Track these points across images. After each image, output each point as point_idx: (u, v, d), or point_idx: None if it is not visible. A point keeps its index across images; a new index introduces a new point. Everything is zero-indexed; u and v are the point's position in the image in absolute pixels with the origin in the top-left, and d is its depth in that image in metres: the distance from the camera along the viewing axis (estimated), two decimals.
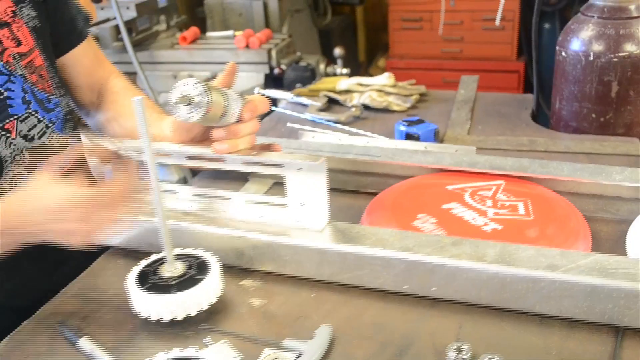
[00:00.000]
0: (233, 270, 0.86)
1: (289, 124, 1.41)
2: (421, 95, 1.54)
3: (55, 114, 0.97)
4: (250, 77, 2.35)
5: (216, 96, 0.76)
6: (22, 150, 0.90)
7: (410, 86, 1.55)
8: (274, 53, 2.36)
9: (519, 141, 1.25)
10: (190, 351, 0.68)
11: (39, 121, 0.93)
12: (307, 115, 1.45)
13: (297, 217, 0.85)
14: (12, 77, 0.89)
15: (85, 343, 0.74)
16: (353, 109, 1.43)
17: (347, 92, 1.54)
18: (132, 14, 2.42)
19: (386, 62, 3.71)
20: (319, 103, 1.49)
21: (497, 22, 2.74)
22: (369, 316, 0.77)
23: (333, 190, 0.85)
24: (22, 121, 0.90)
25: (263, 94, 1.66)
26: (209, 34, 2.67)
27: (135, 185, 0.76)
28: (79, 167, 0.77)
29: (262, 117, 0.85)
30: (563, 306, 0.72)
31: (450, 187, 0.96)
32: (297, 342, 0.71)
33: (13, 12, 0.92)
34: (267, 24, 2.76)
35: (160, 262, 0.80)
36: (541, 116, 1.49)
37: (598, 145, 1.21)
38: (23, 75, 0.91)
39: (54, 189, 0.72)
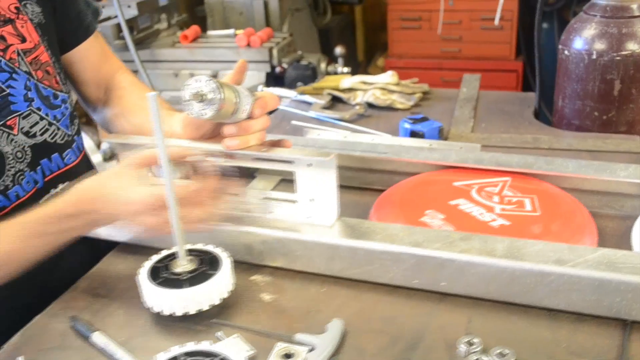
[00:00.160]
0: (243, 266, 0.87)
1: (293, 122, 1.42)
2: (424, 93, 1.55)
3: (62, 110, 0.97)
4: (252, 76, 2.36)
5: (228, 93, 0.76)
6: (24, 147, 0.90)
7: (414, 84, 1.56)
8: (275, 52, 2.37)
9: (523, 139, 1.26)
10: (205, 345, 0.69)
11: (41, 118, 0.93)
12: (312, 113, 1.46)
13: (307, 212, 0.86)
14: (14, 75, 0.89)
15: (98, 337, 0.74)
16: (357, 107, 1.44)
17: (351, 90, 1.55)
18: (133, 12, 2.43)
19: (385, 61, 3.72)
20: (323, 101, 1.50)
21: (497, 21, 2.75)
22: (379, 310, 0.78)
23: (339, 186, 0.85)
24: (24, 118, 0.90)
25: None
26: (210, 32, 2.67)
27: (214, 188, 0.79)
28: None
29: (268, 114, 0.86)
30: (571, 300, 0.73)
31: (456, 184, 0.97)
32: (309, 336, 0.72)
33: (17, 8, 0.92)
34: (268, 23, 2.77)
35: (171, 257, 0.81)
36: (542, 114, 1.50)
37: (601, 142, 1.22)
38: (28, 71, 0.91)
39: (137, 182, 0.76)
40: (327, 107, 1.49)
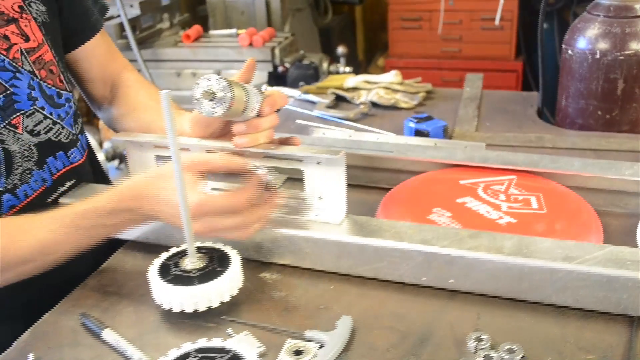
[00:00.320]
0: (251, 263, 0.87)
1: (297, 121, 1.42)
2: (427, 92, 1.56)
3: (66, 109, 0.97)
4: (254, 76, 2.36)
5: (238, 91, 0.77)
6: (30, 145, 0.91)
7: (417, 84, 1.57)
8: (277, 51, 2.37)
9: (527, 138, 1.27)
10: (216, 341, 0.69)
11: (45, 117, 0.93)
12: (316, 112, 1.46)
13: (316, 210, 0.86)
14: (17, 74, 0.89)
15: (109, 334, 0.75)
16: (361, 106, 1.44)
17: (355, 89, 1.55)
18: (135, 11, 2.43)
19: (385, 61, 3.73)
20: (327, 100, 1.50)
21: (497, 21, 2.76)
22: (389, 307, 0.78)
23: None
24: (27, 117, 0.90)
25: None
26: (212, 32, 2.68)
27: (257, 198, 0.79)
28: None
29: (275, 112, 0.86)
30: (579, 297, 0.74)
31: (463, 182, 0.98)
32: (318, 333, 0.72)
33: (20, 7, 0.92)
34: (269, 23, 2.77)
35: (180, 255, 0.81)
36: (543, 114, 1.51)
37: (604, 141, 1.23)
38: (31, 71, 0.91)
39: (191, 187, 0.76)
40: (331, 106, 1.50)
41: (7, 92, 0.88)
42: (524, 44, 3.40)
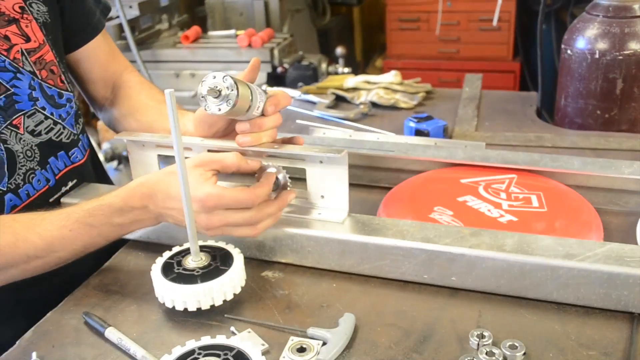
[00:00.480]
0: (253, 262, 0.88)
1: (298, 121, 1.43)
2: (427, 93, 1.56)
3: (67, 109, 0.97)
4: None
5: (243, 89, 0.77)
6: (32, 145, 0.91)
7: (417, 84, 1.58)
8: (276, 52, 2.38)
9: (526, 137, 1.27)
10: (221, 339, 0.69)
11: (46, 117, 0.93)
12: (316, 113, 1.47)
13: (318, 209, 0.87)
14: (18, 74, 0.89)
15: (112, 332, 0.75)
16: (361, 106, 1.45)
17: (355, 89, 1.56)
18: (134, 12, 2.43)
19: (383, 62, 3.73)
20: (327, 100, 1.51)
21: (495, 22, 2.77)
22: (391, 305, 0.79)
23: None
24: (28, 117, 0.91)
25: None
26: (211, 33, 2.68)
27: (265, 196, 0.80)
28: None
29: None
30: (580, 293, 0.74)
31: (464, 181, 0.98)
32: (321, 330, 0.72)
33: (21, 8, 0.92)
34: (268, 24, 2.77)
35: (183, 253, 0.81)
36: (540, 114, 1.51)
37: (603, 141, 1.23)
38: (32, 71, 0.91)
39: (192, 180, 0.77)
40: (331, 107, 1.51)
41: (8, 92, 0.88)
42: (521, 45, 3.41)
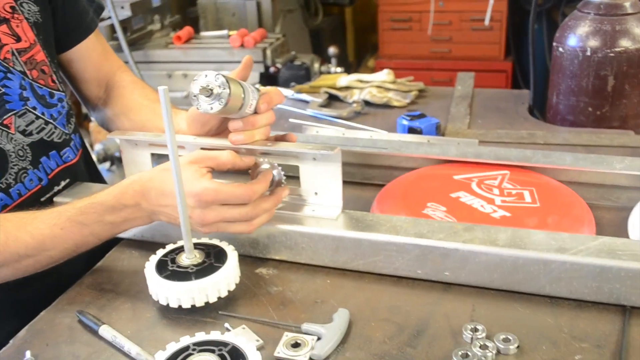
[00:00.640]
0: (248, 259, 0.88)
1: (291, 120, 1.43)
2: (420, 91, 1.57)
3: (58, 109, 0.97)
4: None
5: (235, 88, 0.77)
6: (24, 145, 0.91)
7: (409, 82, 1.58)
8: (269, 52, 2.38)
9: (519, 134, 1.28)
10: (215, 335, 0.69)
11: (37, 117, 0.93)
12: (309, 111, 1.47)
13: (312, 206, 0.87)
14: (9, 74, 0.89)
15: (106, 330, 0.75)
16: (354, 105, 1.45)
17: (348, 88, 1.56)
18: (126, 13, 2.42)
19: (375, 62, 3.74)
20: (320, 99, 1.51)
21: (487, 22, 2.79)
22: (385, 300, 0.79)
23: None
24: (19, 117, 0.90)
25: None
26: (203, 33, 2.68)
27: (260, 193, 0.80)
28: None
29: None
30: (573, 287, 0.75)
31: (457, 177, 0.99)
32: (316, 325, 0.73)
33: (12, 7, 0.92)
34: (260, 24, 2.77)
35: (177, 251, 0.81)
36: (534, 112, 1.52)
37: (595, 137, 1.24)
38: (22, 71, 0.91)
39: (186, 177, 0.77)
40: (324, 105, 1.51)
41: None
42: (513, 45, 3.42)
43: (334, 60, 2.46)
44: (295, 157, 0.85)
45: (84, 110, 2.68)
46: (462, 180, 0.98)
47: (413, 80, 1.61)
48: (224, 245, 0.82)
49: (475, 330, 0.70)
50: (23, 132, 0.91)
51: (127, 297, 0.83)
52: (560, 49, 1.31)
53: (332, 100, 1.56)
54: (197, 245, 0.81)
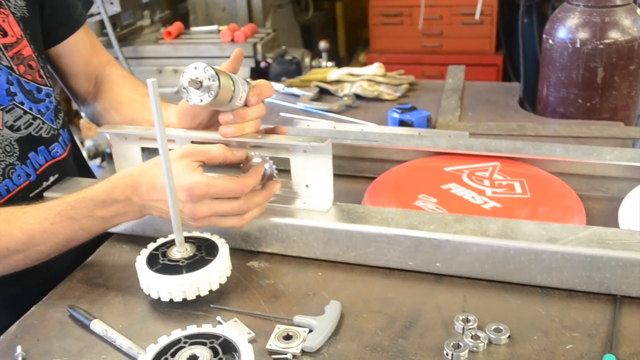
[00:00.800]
0: (239, 253, 0.88)
1: (282, 114, 1.43)
2: (410, 84, 1.57)
3: (46, 104, 0.97)
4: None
5: (225, 80, 0.77)
6: (11, 141, 0.90)
7: (400, 76, 1.58)
8: (259, 47, 2.37)
9: (509, 126, 1.28)
10: (207, 327, 0.69)
11: (25, 112, 0.92)
12: (300, 105, 1.47)
13: (303, 198, 0.87)
14: None
15: (97, 324, 0.75)
16: (345, 98, 1.45)
17: (338, 82, 1.56)
18: (116, 9, 2.41)
19: (366, 57, 3.73)
20: (310, 93, 1.51)
21: (477, 16, 2.78)
22: (377, 292, 0.79)
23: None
24: (7, 112, 0.90)
25: None
26: (193, 29, 2.66)
27: (251, 187, 0.80)
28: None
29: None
30: (564, 277, 0.75)
31: (448, 169, 0.99)
32: (307, 318, 0.73)
33: None
34: (251, 19, 2.76)
35: (168, 245, 0.81)
36: (525, 106, 1.53)
37: (585, 129, 1.25)
38: (9, 66, 0.90)
39: (178, 171, 0.76)
40: (314, 99, 1.51)
41: None
42: (504, 38, 3.43)
43: (324, 55, 2.45)
44: (286, 149, 0.85)
45: (75, 106, 2.67)
46: (453, 172, 0.98)
47: (404, 74, 1.61)
48: (215, 238, 0.82)
49: (466, 320, 0.71)
50: (11, 128, 0.90)
51: (118, 291, 0.83)
52: (550, 41, 1.32)
53: (323, 94, 1.56)
54: (188, 239, 0.81)
